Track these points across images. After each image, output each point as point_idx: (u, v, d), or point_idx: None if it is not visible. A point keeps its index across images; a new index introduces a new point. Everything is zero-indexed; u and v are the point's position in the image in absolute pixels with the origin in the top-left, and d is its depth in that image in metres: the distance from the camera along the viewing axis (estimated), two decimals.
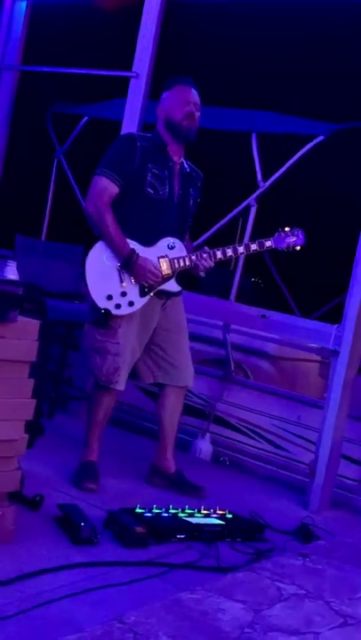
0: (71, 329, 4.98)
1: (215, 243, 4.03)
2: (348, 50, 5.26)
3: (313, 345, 4.84)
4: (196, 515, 3.38)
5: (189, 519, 3.32)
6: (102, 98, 5.93)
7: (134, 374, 3.86)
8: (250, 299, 5.89)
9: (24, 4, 5.78)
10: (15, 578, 2.55)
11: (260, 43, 5.63)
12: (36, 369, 2.89)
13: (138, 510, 3.27)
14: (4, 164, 5.92)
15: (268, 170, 4.88)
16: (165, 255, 3.68)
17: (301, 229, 3.77)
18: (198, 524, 3.28)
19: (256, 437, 4.67)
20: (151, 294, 3.68)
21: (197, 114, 3.71)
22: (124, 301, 3.62)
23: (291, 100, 5.47)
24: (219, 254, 3.71)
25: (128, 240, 3.61)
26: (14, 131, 5.88)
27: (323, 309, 6.64)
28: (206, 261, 3.69)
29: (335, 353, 4.06)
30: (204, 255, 3.69)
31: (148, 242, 3.66)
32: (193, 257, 3.69)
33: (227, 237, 5.21)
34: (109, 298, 3.60)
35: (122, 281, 3.62)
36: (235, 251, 3.73)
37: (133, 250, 3.60)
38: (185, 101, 3.70)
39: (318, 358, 5.57)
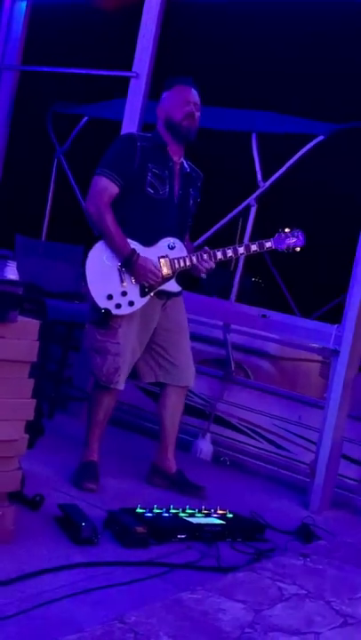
0: (71, 329, 4.98)
1: (215, 243, 4.03)
2: (349, 50, 5.26)
3: (313, 345, 4.84)
4: (197, 515, 3.38)
5: (190, 519, 3.32)
6: (102, 98, 5.93)
7: (135, 374, 3.86)
8: (250, 299, 5.90)
9: (24, 4, 5.78)
10: (15, 578, 2.55)
11: (260, 43, 5.63)
12: (36, 369, 2.89)
13: (138, 510, 3.27)
14: (4, 163, 5.92)
15: (268, 170, 4.88)
16: (166, 255, 3.68)
17: (301, 230, 3.77)
18: (199, 524, 3.27)
19: (257, 437, 4.66)
20: (151, 294, 3.68)
21: (197, 114, 3.71)
22: (124, 301, 3.62)
23: (291, 100, 5.47)
24: (219, 255, 3.71)
25: (128, 240, 3.61)
26: (14, 131, 5.88)
27: (323, 309, 6.65)
28: (207, 262, 3.69)
29: (335, 353, 4.06)
30: (205, 256, 3.69)
31: (149, 242, 3.66)
32: (193, 257, 3.69)
33: (227, 237, 5.22)
34: (110, 298, 3.60)
35: (122, 281, 3.61)
36: (235, 251, 3.73)
37: (134, 250, 3.60)
38: (185, 101, 3.70)
39: (319, 358, 5.57)
